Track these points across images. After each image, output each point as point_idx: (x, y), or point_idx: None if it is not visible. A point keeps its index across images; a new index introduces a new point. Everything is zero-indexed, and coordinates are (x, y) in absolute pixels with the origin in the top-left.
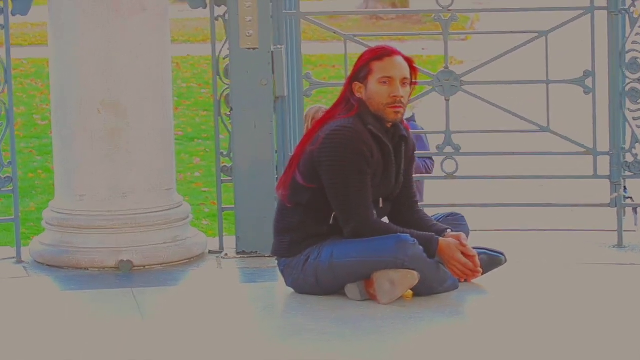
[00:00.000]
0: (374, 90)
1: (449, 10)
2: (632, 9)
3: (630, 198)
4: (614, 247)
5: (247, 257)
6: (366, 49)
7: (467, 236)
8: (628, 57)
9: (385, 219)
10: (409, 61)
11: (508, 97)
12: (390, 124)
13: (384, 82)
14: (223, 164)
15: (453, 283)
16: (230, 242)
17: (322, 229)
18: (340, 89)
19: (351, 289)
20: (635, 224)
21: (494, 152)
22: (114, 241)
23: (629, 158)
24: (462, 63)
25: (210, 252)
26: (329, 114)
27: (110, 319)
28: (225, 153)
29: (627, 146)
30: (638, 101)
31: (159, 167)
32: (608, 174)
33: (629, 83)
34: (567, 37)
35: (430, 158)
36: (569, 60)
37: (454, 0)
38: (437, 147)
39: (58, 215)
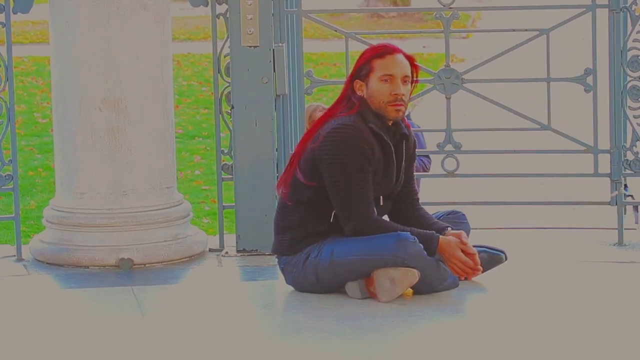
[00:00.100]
0: (375, 88)
1: (450, 8)
2: (633, 7)
3: (631, 196)
4: (614, 245)
5: (248, 255)
6: (367, 47)
7: (468, 234)
8: (629, 55)
9: (386, 217)
10: (410, 59)
11: (509, 95)
12: (391, 122)
13: (385, 80)
14: (224, 162)
15: (453, 281)
16: (230, 240)
17: (323, 227)
18: (341, 87)
19: (351, 287)
20: (636, 222)
21: (495, 150)
22: (114, 239)
23: (630, 156)
24: (463, 61)
25: (210, 250)
26: (330, 112)
27: (111, 317)
28: (225, 151)
29: (627, 144)
30: (639, 99)
31: (160, 165)
32: (609, 172)
33: (630, 81)
34: (568, 35)
35: (427, 156)
36: (570, 58)
37: None
38: (438, 145)
39: (58, 213)
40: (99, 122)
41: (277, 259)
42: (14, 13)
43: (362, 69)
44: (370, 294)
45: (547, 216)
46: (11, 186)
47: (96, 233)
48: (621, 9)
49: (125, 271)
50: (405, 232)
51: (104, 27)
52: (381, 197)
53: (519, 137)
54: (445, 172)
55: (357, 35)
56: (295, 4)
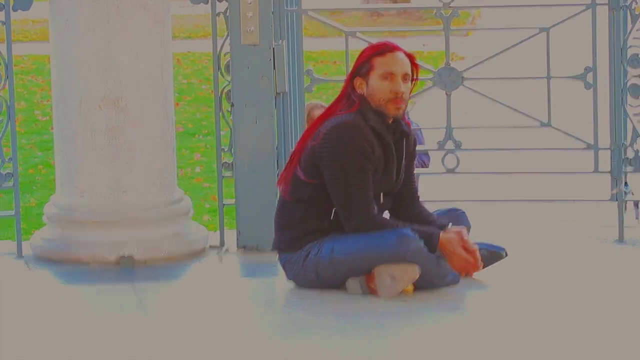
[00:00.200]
0: (375, 86)
1: (450, 6)
2: (633, 5)
3: (631, 193)
4: (614, 242)
5: (248, 251)
6: (367, 45)
7: (468, 231)
8: (629, 52)
9: (386, 215)
10: (410, 57)
11: (509, 92)
12: (392, 119)
13: (386, 78)
14: (224, 160)
15: (454, 278)
16: (231, 237)
17: (323, 224)
18: (341, 85)
19: (352, 283)
20: (636, 219)
21: (495, 148)
22: (115, 236)
23: (630, 153)
24: (464, 59)
25: (211, 247)
26: (330, 110)
27: (111, 314)
28: (226, 149)
29: (628, 141)
30: (639, 97)
31: (160, 163)
32: (609, 169)
33: (630, 79)
34: (568, 33)
35: (426, 153)
36: (570, 56)
37: None
38: (438, 143)
39: (59, 211)
40: (99, 121)
41: (277, 256)
42: (14, 10)
43: (362, 67)
44: (371, 291)
45: (548, 213)
46: (11, 183)
47: (97, 230)
48: (621, 7)
49: (126, 268)
50: (405, 229)
51: (104, 26)
52: (381, 194)
53: (520, 135)
54: (446, 170)
55: (357, 33)
56: (295, 3)
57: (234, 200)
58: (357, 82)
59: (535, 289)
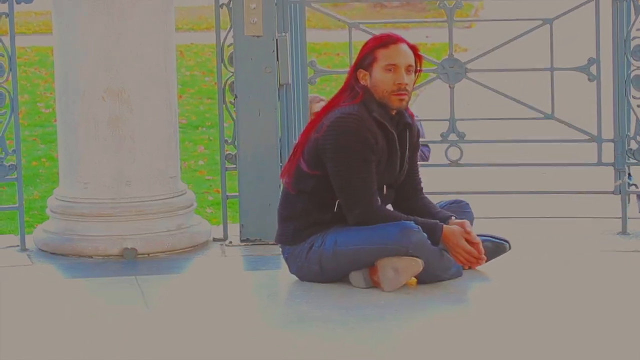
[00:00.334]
0: (378, 78)
1: None
2: None
3: (635, 185)
4: (618, 234)
5: (251, 244)
6: (371, 36)
7: (472, 223)
8: (633, 44)
9: (390, 207)
10: (413, 49)
11: (512, 84)
12: (395, 111)
13: (389, 70)
14: (227, 152)
15: (457, 270)
16: (234, 229)
17: (326, 216)
18: (344, 76)
19: (355, 276)
20: (639, 211)
21: (499, 140)
22: (118, 229)
23: (633, 145)
24: (467, 51)
25: (214, 239)
26: (334, 102)
27: (114, 307)
28: (229, 141)
29: (631, 133)
30: None
31: (163, 155)
32: (612, 161)
33: (633, 70)
34: (571, 24)
35: (427, 145)
36: (573, 47)
37: None
38: (442, 135)
39: (62, 203)
40: (102, 112)
41: (280, 249)
42: (17, 3)
43: (365, 59)
44: (374, 284)
45: (551, 205)
46: (15, 176)
47: (100, 223)
48: None
49: (129, 261)
50: (409, 221)
51: (106, 16)
52: (385, 186)
53: (523, 127)
54: (449, 162)
55: (360, 25)
56: None
57: (237, 193)
58: (361, 73)
59: (539, 282)
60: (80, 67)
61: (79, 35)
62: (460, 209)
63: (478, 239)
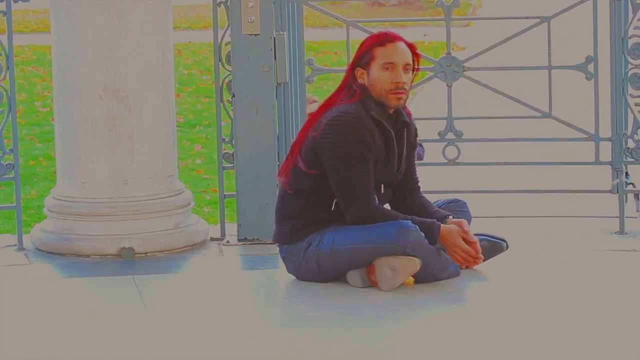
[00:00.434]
0: (376, 77)
1: None
2: None
3: (632, 184)
4: (615, 233)
5: (249, 244)
6: (368, 35)
7: (469, 222)
8: (630, 42)
9: (387, 206)
10: (411, 47)
11: (510, 83)
12: (392, 109)
13: (387, 68)
14: (225, 151)
15: (454, 270)
16: (231, 229)
17: (324, 215)
18: (342, 75)
19: (353, 275)
20: (637, 210)
21: (496, 139)
22: (115, 228)
23: (631, 144)
24: (464, 49)
25: (211, 239)
26: (331, 100)
27: (112, 306)
28: (227, 140)
29: (629, 132)
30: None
31: (161, 154)
32: (610, 160)
33: (631, 69)
34: (569, 22)
35: (421, 145)
36: (571, 46)
37: None
38: (439, 134)
39: (59, 203)
40: (100, 111)
41: (278, 248)
42: (15, 1)
43: (363, 57)
44: (371, 283)
45: (548, 205)
46: (12, 175)
47: (97, 222)
48: None
49: (127, 260)
50: (406, 221)
51: (104, 16)
52: (382, 185)
53: (520, 125)
54: (447, 161)
55: (358, 24)
56: None
57: (234, 192)
58: (358, 72)
59: (536, 281)
60: (79, 66)
61: (77, 35)
62: (458, 208)
63: (475, 238)
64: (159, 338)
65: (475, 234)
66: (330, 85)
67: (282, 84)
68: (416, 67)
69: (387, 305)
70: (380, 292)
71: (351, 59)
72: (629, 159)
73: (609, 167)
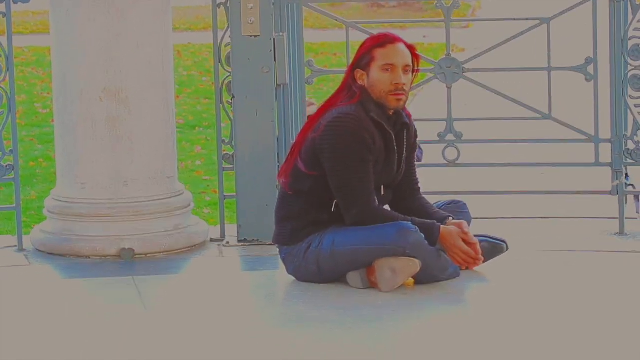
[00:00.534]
0: (376, 78)
1: None
2: None
3: (632, 185)
4: (615, 234)
5: (249, 245)
6: (368, 36)
7: (469, 224)
8: (630, 44)
9: (387, 207)
10: (411, 49)
11: (510, 84)
12: (392, 111)
13: (386, 70)
14: (224, 152)
15: (454, 271)
16: (231, 230)
17: (324, 216)
18: (342, 76)
19: (353, 276)
20: (637, 212)
21: (496, 140)
22: (115, 229)
23: (631, 145)
24: (464, 51)
25: (211, 240)
26: (331, 102)
27: (112, 307)
28: (226, 141)
29: (628, 133)
30: (639, 88)
31: (161, 155)
32: (609, 161)
33: (630, 70)
34: (569, 24)
35: (419, 147)
36: (570, 47)
37: None
38: (439, 135)
39: (59, 204)
40: (99, 111)
41: (278, 249)
42: (15, 3)
43: (363, 59)
44: (371, 284)
45: (548, 206)
46: (12, 176)
47: (97, 223)
48: None
49: (127, 261)
50: (406, 222)
51: (104, 16)
52: (382, 186)
53: (520, 127)
54: (446, 162)
55: (357, 25)
56: None
57: (234, 193)
58: (358, 73)
59: (536, 282)
60: (78, 67)
61: (77, 36)
62: (458, 210)
63: (476, 240)
64: (158, 339)
65: (475, 235)
66: (330, 86)
67: (281, 85)
68: (416, 68)
69: (387, 307)
70: (380, 294)
71: (351, 61)
72: (629, 161)
73: (609, 168)
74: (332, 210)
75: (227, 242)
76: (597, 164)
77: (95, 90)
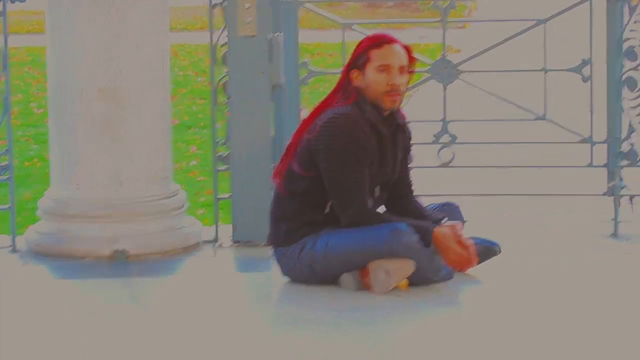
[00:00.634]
0: (371, 78)
1: None
2: None
3: (627, 187)
4: (609, 236)
5: (243, 246)
6: (364, 37)
7: (463, 226)
8: (626, 45)
9: (382, 208)
10: (407, 49)
11: (505, 85)
12: (387, 112)
13: (382, 70)
14: (220, 153)
15: (448, 273)
16: (226, 231)
17: (318, 217)
18: (337, 77)
19: (346, 278)
20: (632, 213)
21: (491, 141)
22: (109, 230)
23: (626, 147)
24: (460, 51)
25: (205, 241)
26: (326, 102)
27: (105, 308)
28: (222, 141)
29: (623, 135)
30: (635, 90)
31: (156, 156)
32: (604, 163)
33: (626, 71)
34: (565, 25)
35: None
36: (567, 48)
37: None
38: (434, 136)
39: (54, 204)
40: (95, 111)
41: (272, 250)
42: (12, 2)
43: (359, 59)
44: (365, 286)
45: (543, 207)
46: (7, 176)
47: (91, 224)
48: None
49: (120, 262)
50: (400, 223)
51: (104, 16)
52: (377, 187)
53: (515, 128)
54: (441, 163)
55: (353, 25)
56: None
57: (229, 194)
58: (354, 74)
59: (530, 284)
60: (76, 67)
61: (75, 34)
62: (451, 212)
63: (470, 242)
64: (152, 340)
65: (468, 237)
66: (326, 87)
67: (277, 86)
68: (412, 69)
69: (382, 309)
70: (374, 295)
71: (347, 61)
72: (624, 162)
73: (604, 169)
74: (327, 211)
75: (222, 243)
76: (592, 165)
77: (91, 91)
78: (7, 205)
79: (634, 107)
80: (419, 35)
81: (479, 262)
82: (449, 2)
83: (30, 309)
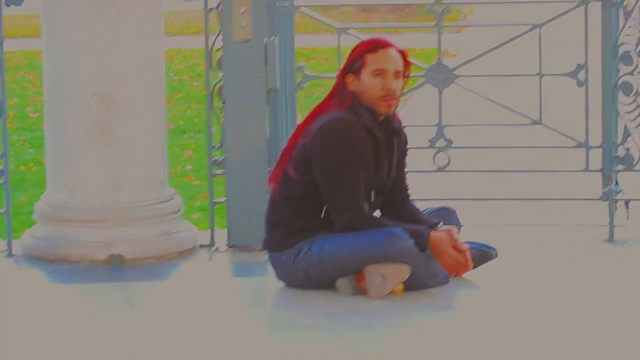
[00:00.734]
0: (367, 83)
1: (443, 2)
2: (625, 1)
3: (622, 192)
4: (605, 241)
5: (239, 250)
6: (360, 41)
7: (458, 230)
8: (621, 50)
9: (377, 213)
10: (402, 54)
11: (501, 90)
12: (383, 116)
13: (378, 75)
14: (215, 157)
15: (444, 277)
16: (221, 235)
17: (314, 222)
18: (333, 81)
19: (342, 283)
20: (627, 218)
21: (486, 146)
22: (105, 235)
23: (621, 152)
24: (455, 56)
25: (201, 245)
26: (322, 107)
27: (101, 312)
28: (217, 146)
29: (619, 140)
30: (630, 94)
31: (151, 160)
32: (600, 167)
33: (621, 76)
34: (560, 30)
35: None
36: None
37: None
38: (430, 140)
39: (49, 209)
40: (90, 116)
41: (267, 255)
42: (7, 6)
43: (354, 63)
44: (361, 290)
45: (538, 212)
46: (2, 180)
47: (87, 228)
48: (613, 4)
49: (116, 267)
50: (396, 228)
51: (99, 20)
52: (372, 192)
53: (511, 133)
54: (437, 168)
55: (349, 30)
56: None
57: (224, 198)
58: (349, 78)
59: (526, 289)
60: (69, 71)
61: (69, 39)
62: (447, 216)
63: (465, 246)
64: (148, 344)
65: (464, 242)
66: (321, 91)
67: (273, 90)
68: (407, 74)
69: (377, 313)
70: (369, 300)
71: (342, 66)
72: (619, 167)
73: (599, 174)
74: (322, 216)
75: (217, 248)
76: (588, 170)
77: (86, 95)
78: (3, 210)
79: (630, 112)
80: (415, 40)
81: (475, 267)
82: (444, 6)
83: (26, 313)
